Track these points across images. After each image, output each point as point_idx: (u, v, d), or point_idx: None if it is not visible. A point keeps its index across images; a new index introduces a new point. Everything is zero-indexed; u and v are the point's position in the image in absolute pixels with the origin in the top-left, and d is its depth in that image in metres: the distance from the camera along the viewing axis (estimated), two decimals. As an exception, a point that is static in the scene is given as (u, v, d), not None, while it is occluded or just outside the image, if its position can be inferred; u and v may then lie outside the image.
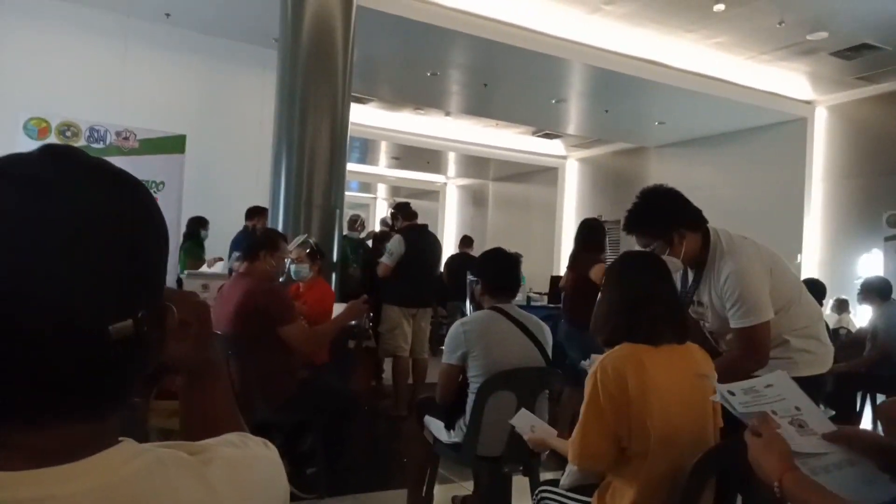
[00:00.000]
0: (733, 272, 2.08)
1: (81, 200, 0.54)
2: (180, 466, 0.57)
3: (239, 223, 5.90)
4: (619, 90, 7.84)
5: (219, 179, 6.76)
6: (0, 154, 0.56)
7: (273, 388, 2.83)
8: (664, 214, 2.17)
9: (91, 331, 0.52)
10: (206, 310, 0.77)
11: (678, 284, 2.30)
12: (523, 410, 2.21)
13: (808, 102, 8.46)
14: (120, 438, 0.56)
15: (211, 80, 7.00)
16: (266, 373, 2.80)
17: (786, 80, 7.81)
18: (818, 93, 8.26)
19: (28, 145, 3.51)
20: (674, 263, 2.15)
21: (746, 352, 2.07)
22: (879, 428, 3.72)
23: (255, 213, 5.47)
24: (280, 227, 4.39)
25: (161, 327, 0.61)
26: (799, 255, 8.25)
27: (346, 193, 4.94)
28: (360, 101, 9.15)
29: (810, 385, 1.21)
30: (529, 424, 2.15)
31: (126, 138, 5.95)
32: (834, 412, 4.38)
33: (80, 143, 5.73)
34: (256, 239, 3.16)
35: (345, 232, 5.40)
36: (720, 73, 7.51)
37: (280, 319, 2.79)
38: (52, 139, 5.62)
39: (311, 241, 3.93)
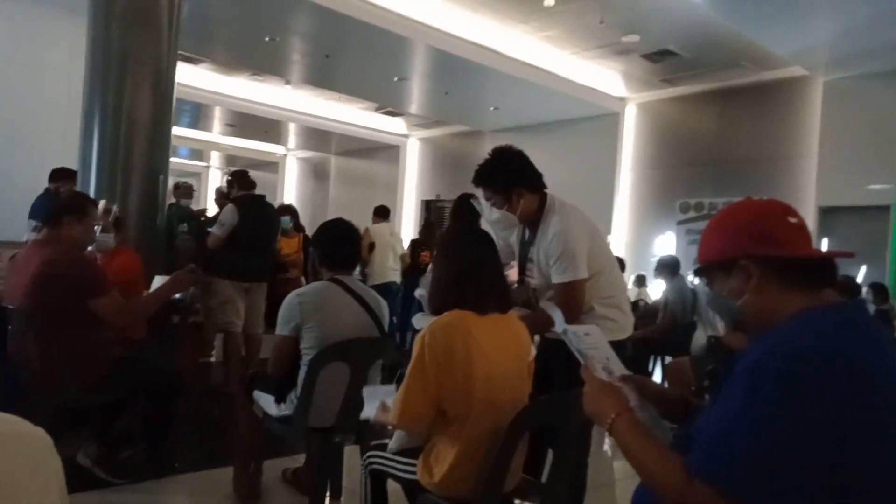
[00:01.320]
0: (559, 231, 2.29)
1: None
2: None
3: (41, 187, 5.21)
4: (457, 73, 8.09)
5: (17, 136, 5.94)
6: None
7: (82, 366, 2.59)
8: (508, 172, 2.35)
9: None
10: None
11: (517, 242, 2.49)
12: (368, 389, 2.07)
13: (620, 99, 9.39)
14: None
15: (5, 20, 6.07)
16: (74, 350, 2.56)
17: (603, 76, 8.59)
18: (629, 91, 9.20)
19: None
20: (509, 219, 2.36)
21: (561, 307, 2.26)
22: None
23: (60, 175, 4.81)
24: (92, 193, 3.97)
25: None
26: (608, 236, 9.19)
27: (175, 160, 4.59)
28: (190, 61, 8.47)
29: (614, 350, 1.39)
30: (381, 401, 1.99)
31: None
32: (631, 374, 4.97)
33: None
34: (61, 203, 2.83)
35: (170, 200, 5.01)
36: (548, 66, 8.05)
37: (90, 291, 2.54)
38: None
39: (114, 208, 3.64)
